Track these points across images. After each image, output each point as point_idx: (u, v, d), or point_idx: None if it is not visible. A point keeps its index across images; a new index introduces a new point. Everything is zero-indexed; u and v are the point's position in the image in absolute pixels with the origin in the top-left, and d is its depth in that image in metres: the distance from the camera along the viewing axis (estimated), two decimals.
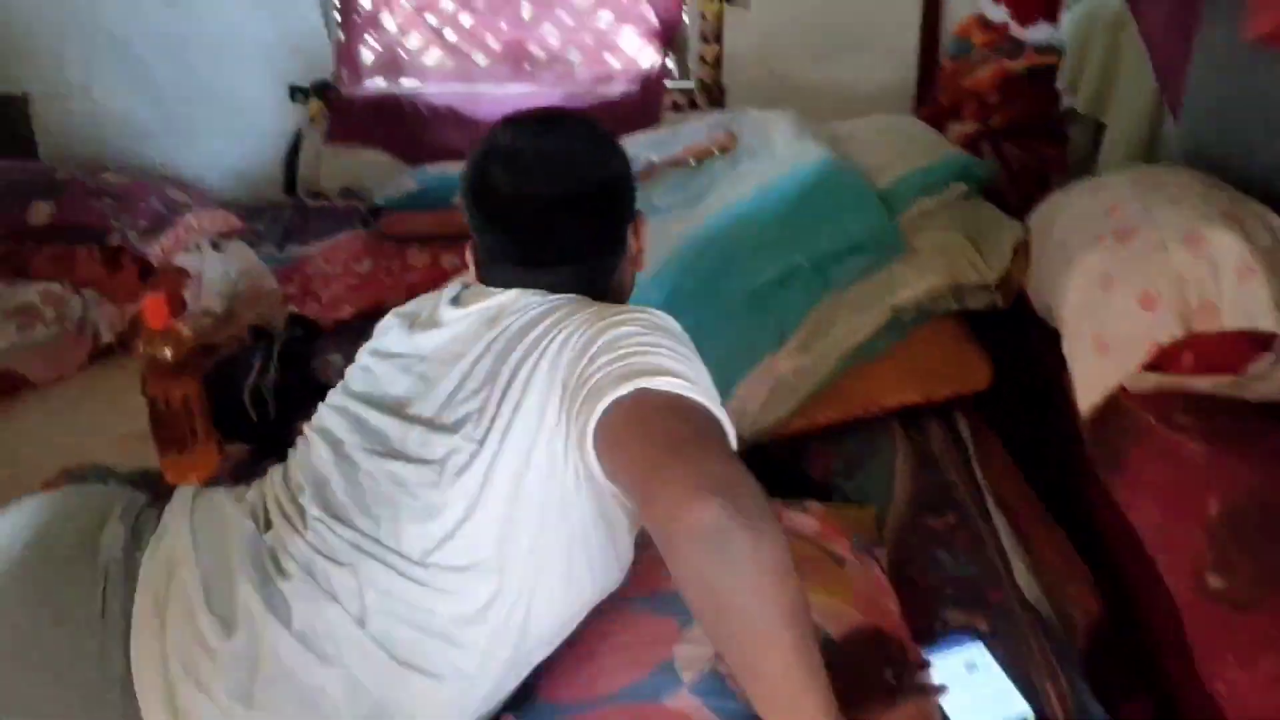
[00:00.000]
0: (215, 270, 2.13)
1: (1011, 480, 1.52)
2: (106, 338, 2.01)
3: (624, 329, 0.96)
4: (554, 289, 1.09)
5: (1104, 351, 1.22)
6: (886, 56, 2.84)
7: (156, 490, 1.23)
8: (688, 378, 0.90)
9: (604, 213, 1.14)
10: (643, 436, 0.88)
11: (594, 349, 0.95)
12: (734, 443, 0.92)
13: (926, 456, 1.59)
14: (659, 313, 1.01)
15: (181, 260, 2.11)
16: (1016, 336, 1.70)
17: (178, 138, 2.93)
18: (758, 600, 0.80)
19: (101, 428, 1.75)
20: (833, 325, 1.62)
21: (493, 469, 0.99)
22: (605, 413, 0.89)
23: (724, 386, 1.60)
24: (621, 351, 0.93)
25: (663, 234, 1.80)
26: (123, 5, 2.79)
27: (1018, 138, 2.21)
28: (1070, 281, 1.31)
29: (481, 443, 0.99)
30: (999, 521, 1.43)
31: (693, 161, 1.92)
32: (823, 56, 2.86)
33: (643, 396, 0.88)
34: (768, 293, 1.62)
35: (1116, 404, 1.21)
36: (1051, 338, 1.46)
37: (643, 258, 1.21)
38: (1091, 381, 1.23)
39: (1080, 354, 1.27)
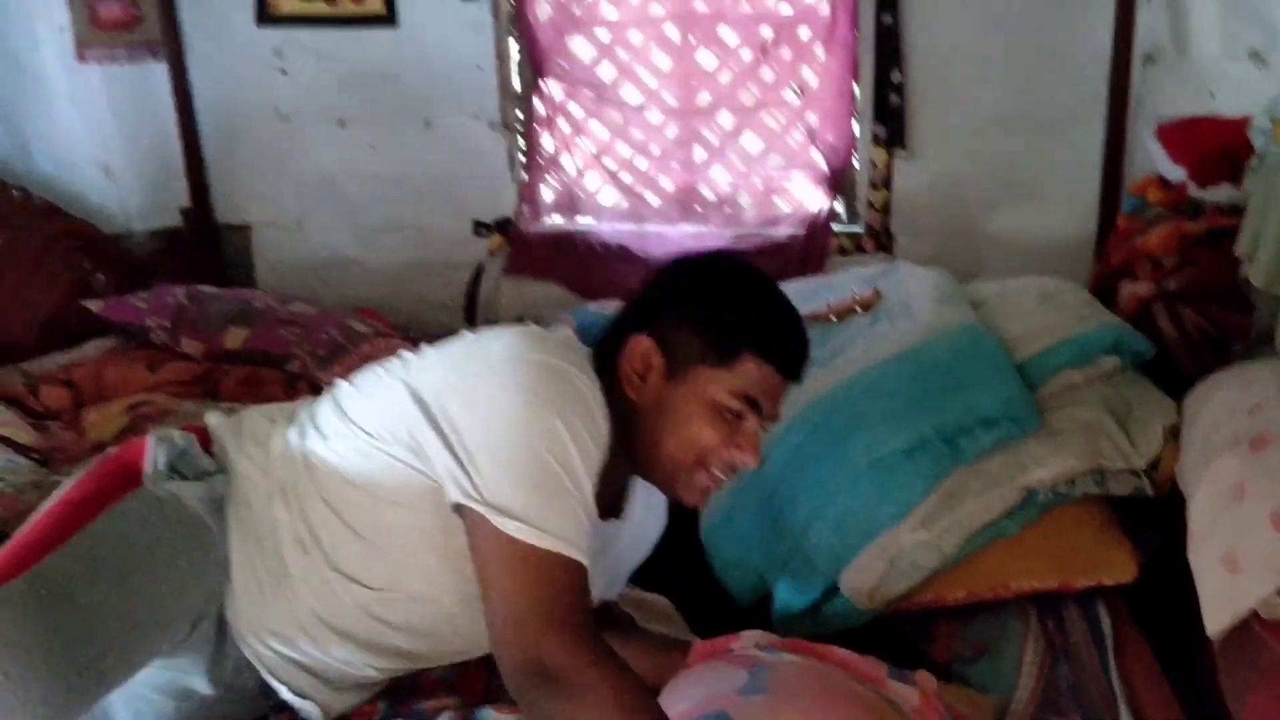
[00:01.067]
0: None
1: (1154, 689, 1.39)
2: None
3: (489, 410, 1.10)
4: None
5: (1234, 570, 1.11)
6: (1065, 208, 2.74)
7: None
8: (531, 517, 1.04)
9: (631, 302, 1.27)
10: (493, 583, 1.07)
11: (454, 419, 1.11)
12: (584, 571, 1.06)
13: (1060, 649, 1.49)
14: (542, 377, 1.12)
15: None
16: (1171, 524, 1.57)
17: (374, 267, 3.17)
18: None
19: None
20: (961, 501, 1.55)
21: None
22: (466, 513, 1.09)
23: (844, 555, 1.57)
24: (479, 452, 1.08)
25: (796, 390, 1.79)
26: (333, 148, 3.09)
27: (1196, 303, 2.06)
28: (1202, 485, 1.21)
29: None
30: None
31: (834, 318, 1.91)
32: (997, 205, 2.79)
33: (501, 538, 1.05)
34: (894, 461, 1.58)
35: (1247, 630, 1.09)
36: None
37: (641, 383, 1.20)
38: (1220, 602, 1.12)
39: (1208, 569, 1.16)
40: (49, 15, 2.91)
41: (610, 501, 1.26)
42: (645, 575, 1.80)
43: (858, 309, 1.90)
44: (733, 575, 1.70)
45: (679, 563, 1.81)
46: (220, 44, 3.10)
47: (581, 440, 1.09)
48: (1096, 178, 2.68)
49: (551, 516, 1.06)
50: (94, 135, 3.04)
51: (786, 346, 1.22)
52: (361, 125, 3.08)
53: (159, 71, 3.08)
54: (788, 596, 1.64)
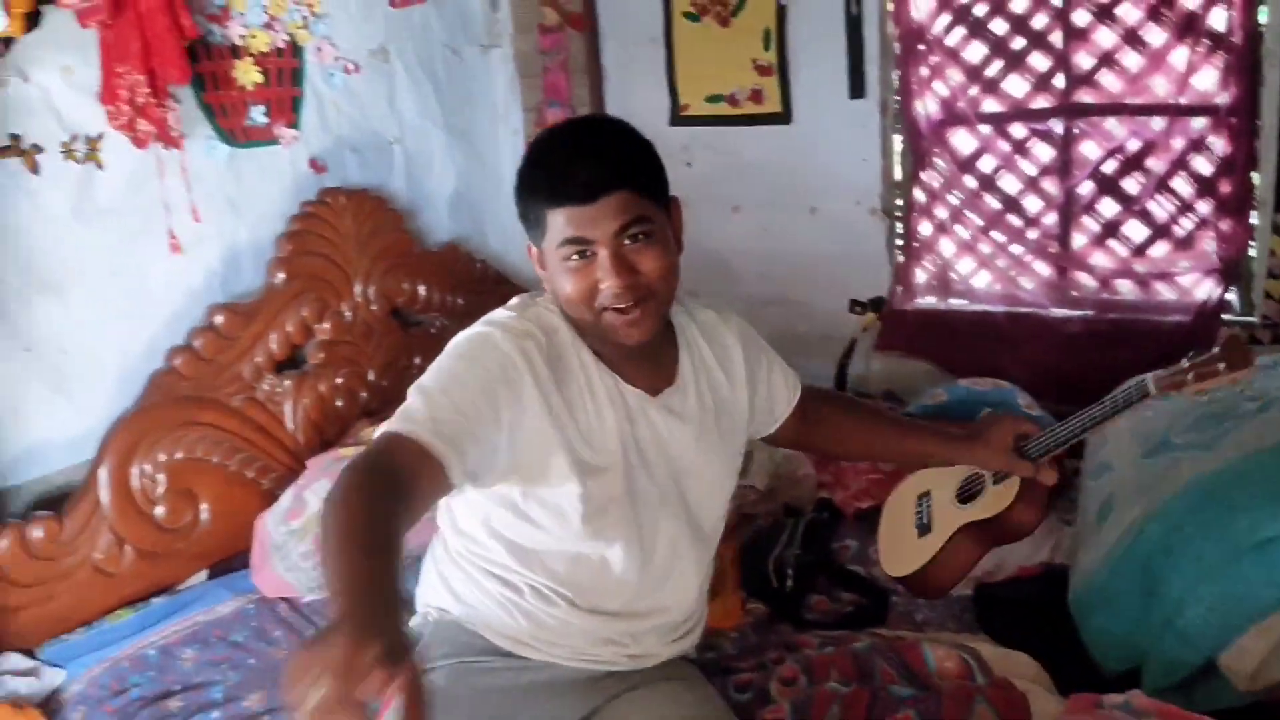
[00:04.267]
0: (763, 452, 2.53)
1: None
2: None
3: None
4: None
5: None
6: None
7: None
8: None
9: None
10: None
11: None
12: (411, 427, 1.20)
13: None
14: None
15: None
16: None
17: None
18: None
19: None
20: None
21: None
22: None
23: (1222, 635, 1.59)
24: None
25: (1174, 472, 1.83)
26: (726, 230, 3.45)
27: None
28: None
29: None
30: None
31: (1203, 397, 1.88)
32: None
33: None
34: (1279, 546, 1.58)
35: None
36: None
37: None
38: None
39: None
40: (509, 120, 3.56)
41: (654, 378, 1.47)
42: (1011, 635, 1.89)
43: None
44: (1100, 643, 1.75)
45: (1048, 625, 1.89)
46: None
47: (458, 360, 1.31)
48: None
49: (403, 410, 1.24)
50: None
51: (557, 187, 1.32)
52: (752, 210, 3.44)
53: None
54: (1159, 671, 1.67)
